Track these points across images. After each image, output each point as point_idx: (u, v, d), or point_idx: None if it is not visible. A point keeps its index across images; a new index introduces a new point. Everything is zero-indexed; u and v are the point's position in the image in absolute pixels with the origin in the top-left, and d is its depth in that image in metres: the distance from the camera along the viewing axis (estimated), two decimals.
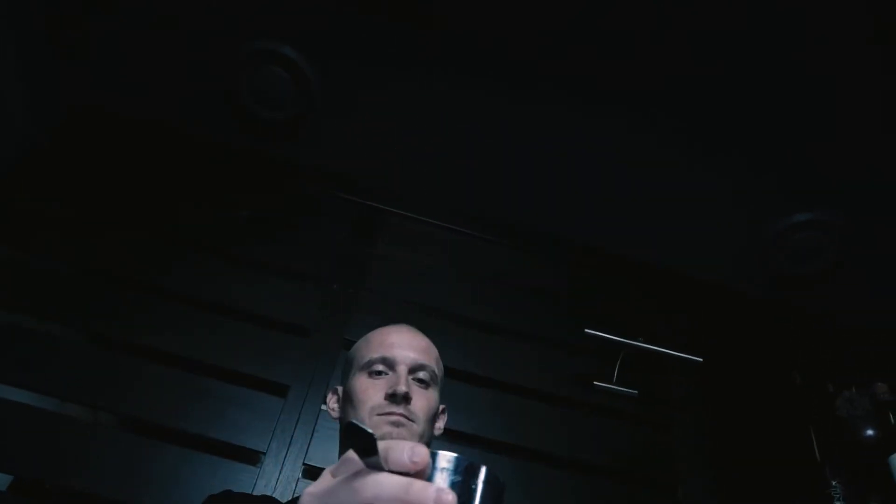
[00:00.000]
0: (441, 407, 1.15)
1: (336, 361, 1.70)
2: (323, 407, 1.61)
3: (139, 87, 2.01)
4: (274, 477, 1.50)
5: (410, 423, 1.03)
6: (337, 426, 1.22)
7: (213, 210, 1.98)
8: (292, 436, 1.57)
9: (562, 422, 1.83)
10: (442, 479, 0.48)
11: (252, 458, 1.56)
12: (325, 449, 1.57)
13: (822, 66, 1.63)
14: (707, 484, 1.80)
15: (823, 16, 1.54)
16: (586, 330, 1.84)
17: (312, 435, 1.58)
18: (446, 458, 0.49)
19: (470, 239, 2.10)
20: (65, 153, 1.94)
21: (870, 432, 1.61)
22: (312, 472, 1.53)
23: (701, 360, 1.88)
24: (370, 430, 0.45)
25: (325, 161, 2.10)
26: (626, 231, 2.14)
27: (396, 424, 1.01)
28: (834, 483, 1.66)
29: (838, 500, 1.63)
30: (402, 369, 1.08)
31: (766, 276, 2.16)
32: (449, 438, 1.53)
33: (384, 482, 0.44)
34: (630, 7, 1.59)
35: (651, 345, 1.90)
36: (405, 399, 1.03)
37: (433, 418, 1.09)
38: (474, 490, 0.50)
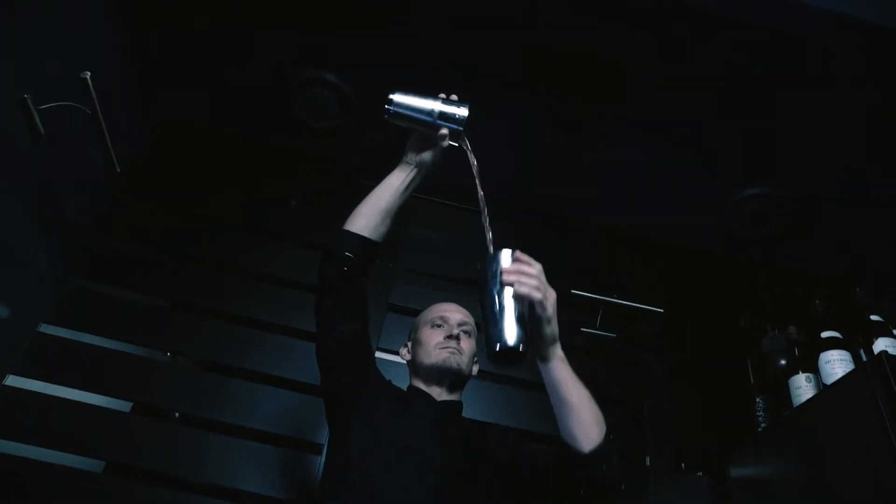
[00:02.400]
0: (476, 355, 1.67)
1: (383, 319, 2.26)
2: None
3: (215, 106, 2.51)
4: None
5: (460, 355, 1.57)
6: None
7: (273, 201, 2.51)
8: None
9: None
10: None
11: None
12: None
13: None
14: (667, 404, 2.38)
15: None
16: (572, 290, 2.39)
17: None
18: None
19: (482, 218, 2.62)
20: (158, 162, 2.47)
21: (782, 362, 2.16)
22: None
23: (662, 310, 2.44)
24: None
25: (362, 159, 2.60)
26: (607, 206, 2.65)
27: (452, 353, 1.56)
28: (758, 400, 2.22)
29: (759, 412, 2.19)
30: (454, 322, 1.62)
31: (722, 240, 2.68)
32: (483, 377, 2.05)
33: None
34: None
35: (624, 299, 2.45)
36: (457, 338, 1.58)
37: (472, 358, 1.64)
38: None
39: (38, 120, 1.82)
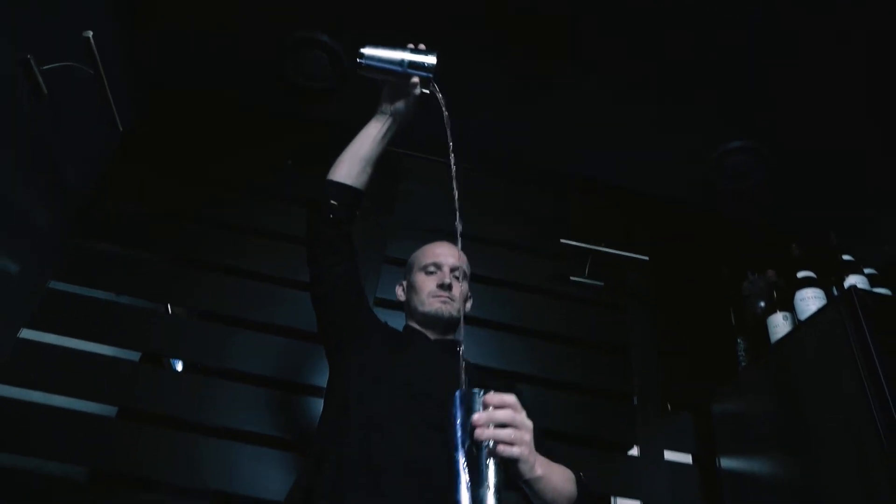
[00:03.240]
0: (468, 294, 1.77)
1: (379, 271, 2.35)
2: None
3: (208, 70, 2.56)
4: None
5: (452, 302, 1.65)
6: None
7: (269, 161, 2.59)
8: None
9: (546, 307, 2.50)
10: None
11: None
12: None
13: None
14: (652, 348, 2.49)
15: None
16: (561, 240, 2.48)
17: None
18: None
19: (476, 174, 2.71)
20: (155, 126, 2.54)
21: (762, 304, 2.26)
22: None
23: (647, 258, 2.55)
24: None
25: (357, 119, 2.67)
26: (594, 160, 2.73)
27: (444, 302, 1.64)
28: (739, 340, 2.33)
29: (740, 352, 2.30)
30: (446, 269, 1.68)
31: (705, 193, 2.77)
32: (466, 321, 2.15)
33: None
34: None
35: (611, 248, 2.55)
36: (449, 287, 1.66)
37: (465, 300, 1.73)
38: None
39: (40, 80, 1.87)
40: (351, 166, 1.56)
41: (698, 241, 2.79)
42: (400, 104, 1.55)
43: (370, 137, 1.57)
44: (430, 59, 1.44)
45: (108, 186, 2.35)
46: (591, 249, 2.53)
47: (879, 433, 1.59)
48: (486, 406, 1.00)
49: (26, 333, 2.02)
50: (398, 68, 1.44)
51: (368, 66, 1.43)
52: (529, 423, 1.05)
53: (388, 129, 1.58)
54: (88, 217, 2.27)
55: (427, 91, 1.48)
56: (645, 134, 2.59)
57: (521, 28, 2.27)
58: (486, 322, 2.37)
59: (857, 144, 2.47)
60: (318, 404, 2.03)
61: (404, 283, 1.79)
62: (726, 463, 2.18)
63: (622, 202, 2.83)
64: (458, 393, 1.01)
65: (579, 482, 1.31)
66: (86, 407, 2.00)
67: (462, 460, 0.96)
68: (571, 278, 2.54)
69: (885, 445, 1.57)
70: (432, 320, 1.63)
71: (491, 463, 0.96)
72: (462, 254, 1.73)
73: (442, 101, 1.45)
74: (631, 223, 2.77)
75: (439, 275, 1.68)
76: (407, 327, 1.71)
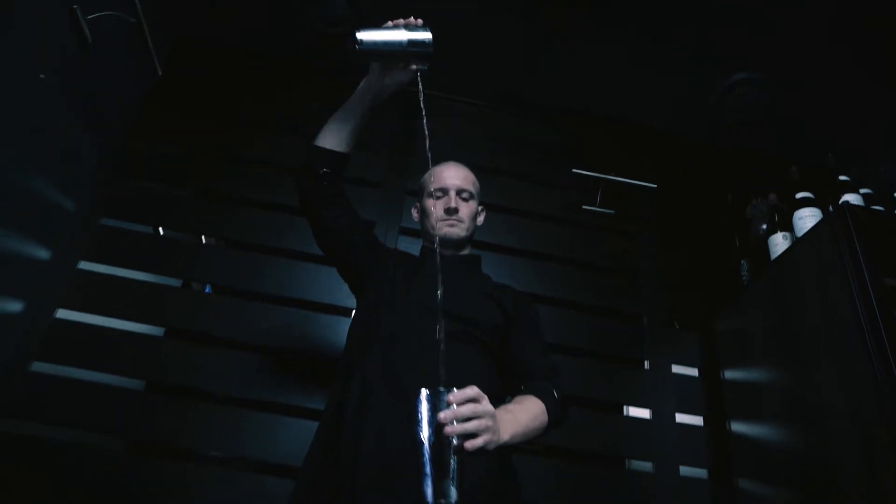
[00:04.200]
0: (480, 208, 1.86)
1: (402, 202, 2.51)
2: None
3: (227, 18, 2.69)
4: None
5: (460, 223, 1.72)
6: None
7: (293, 106, 2.73)
8: None
9: (559, 234, 2.66)
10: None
11: None
12: None
13: None
14: (661, 271, 2.65)
15: None
16: (573, 170, 2.62)
17: None
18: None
19: (495, 114, 2.84)
20: (181, 75, 2.68)
21: (764, 227, 2.39)
22: None
23: (655, 185, 2.67)
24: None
25: None
26: (605, 98, 2.85)
27: (451, 226, 1.71)
28: (743, 262, 2.46)
29: (744, 272, 2.44)
30: (452, 193, 1.74)
31: (711, 124, 2.88)
32: (479, 247, 2.25)
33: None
34: None
35: (621, 178, 2.68)
36: (455, 211, 1.72)
37: (475, 217, 1.82)
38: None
39: (85, 29, 2.03)
40: (339, 135, 1.62)
41: (704, 171, 2.91)
42: (391, 78, 1.55)
43: (358, 109, 1.60)
44: (428, 36, 1.42)
45: (144, 129, 2.52)
46: (601, 179, 2.66)
47: (867, 341, 1.72)
48: (449, 404, 1.05)
49: (83, 265, 2.22)
50: (399, 48, 1.40)
51: (366, 50, 1.38)
52: (491, 409, 1.13)
53: (376, 100, 1.60)
54: (129, 157, 2.44)
55: (425, 67, 1.47)
56: (652, 71, 2.69)
57: None
58: (502, 247, 2.54)
59: (855, 72, 2.55)
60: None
61: (417, 205, 1.88)
62: (729, 374, 2.35)
63: (631, 136, 2.95)
64: (423, 392, 1.06)
65: (549, 410, 1.40)
66: (137, 328, 2.22)
67: (427, 454, 1.02)
68: (584, 207, 2.68)
69: (872, 350, 1.70)
70: (442, 242, 1.73)
71: (453, 461, 1.03)
72: (469, 172, 1.82)
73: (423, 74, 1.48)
74: (639, 155, 2.90)
75: (445, 199, 1.75)
76: (423, 248, 1.83)
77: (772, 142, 2.92)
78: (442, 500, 0.99)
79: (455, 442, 1.04)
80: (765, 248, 2.32)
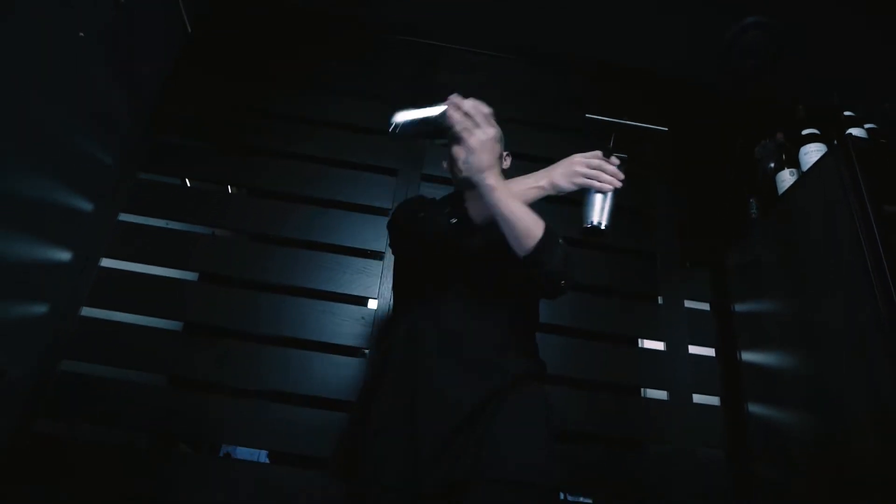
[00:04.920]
0: (505, 153, 1.93)
1: (425, 151, 2.63)
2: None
3: None
4: None
5: None
6: None
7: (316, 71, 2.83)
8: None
9: None
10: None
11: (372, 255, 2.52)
12: None
13: None
14: (673, 212, 2.74)
15: None
16: (587, 115, 2.71)
17: None
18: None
19: (508, 62, 2.92)
20: (221, 31, 2.78)
21: (772, 165, 2.47)
22: None
23: (666, 129, 2.77)
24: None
25: (396, 15, 2.88)
26: (615, 42, 2.92)
27: None
28: (751, 200, 2.55)
29: (753, 210, 2.53)
30: None
31: (720, 69, 2.94)
32: None
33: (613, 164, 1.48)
34: None
35: (634, 122, 2.77)
36: None
37: (500, 158, 1.85)
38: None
39: None
40: None
41: (713, 115, 2.98)
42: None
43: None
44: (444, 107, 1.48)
45: (178, 89, 2.63)
46: (615, 123, 2.75)
47: (868, 266, 1.79)
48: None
49: (123, 217, 2.35)
50: (434, 126, 1.50)
51: (405, 132, 1.51)
52: (493, 131, 1.42)
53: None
54: (162, 114, 2.56)
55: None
56: (663, 17, 2.76)
57: None
58: None
59: (858, 10, 2.60)
60: (377, 265, 2.37)
61: (446, 161, 1.92)
62: (739, 307, 2.46)
63: (642, 82, 3.02)
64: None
65: (548, 232, 1.47)
66: (176, 274, 2.37)
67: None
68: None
69: (872, 274, 1.78)
70: (468, 185, 1.75)
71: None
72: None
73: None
74: (650, 102, 2.98)
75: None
76: (455, 195, 1.86)
77: (780, 84, 2.98)
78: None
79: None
80: (773, 186, 2.40)
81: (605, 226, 1.48)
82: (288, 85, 2.76)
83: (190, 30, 2.38)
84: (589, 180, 1.52)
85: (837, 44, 2.74)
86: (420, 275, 1.68)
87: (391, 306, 2.18)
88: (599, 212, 1.50)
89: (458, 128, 1.40)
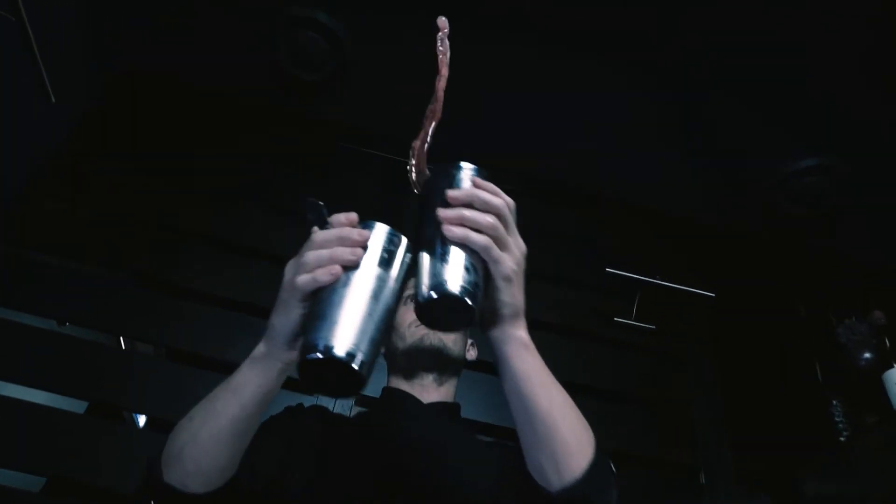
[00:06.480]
0: (470, 341, 1.32)
1: None
2: None
3: (186, 53, 2.14)
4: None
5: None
6: None
7: (256, 162, 2.14)
8: None
9: (587, 353, 2.01)
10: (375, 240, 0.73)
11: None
12: None
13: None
14: (719, 408, 1.99)
15: None
16: (607, 269, 2.00)
17: None
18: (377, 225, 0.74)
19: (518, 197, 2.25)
20: (119, 114, 2.11)
21: (867, 355, 1.78)
22: None
23: (713, 294, 2.05)
24: (320, 203, 0.70)
25: (356, 119, 2.24)
26: (644, 182, 2.28)
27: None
28: (834, 402, 1.83)
29: (838, 417, 1.80)
30: None
31: (772, 219, 2.30)
32: (479, 368, 1.66)
33: (322, 232, 0.72)
34: None
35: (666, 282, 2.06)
36: None
37: (463, 337, 1.28)
38: (394, 251, 0.74)
39: None
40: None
41: (767, 277, 2.30)
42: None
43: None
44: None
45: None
46: (642, 281, 2.04)
47: None
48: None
49: None
50: None
51: None
52: (523, 246, 0.80)
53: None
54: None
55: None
56: (702, 159, 2.16)
57: None
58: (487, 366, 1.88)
59: None
60: None
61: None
62: None
63: (677, 232, 2.35)
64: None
65: (597, 445, 0.84)
66: None
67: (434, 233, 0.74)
68: (616, 320, 2.05)
69: None
70: (417, 356, 1.19)
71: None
72: None
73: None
74: (688, 256, 2.29)
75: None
76: (388, 390, 1.22)
77: (853, 244, 2.32)
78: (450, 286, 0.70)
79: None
80: (870, 386, 1.71)
81: (470, 301, 0.72)
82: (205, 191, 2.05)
83: (54, 99, 1.67)
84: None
85: None
86: None
87: None
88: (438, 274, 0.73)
89: (480, 243, 0.73)
